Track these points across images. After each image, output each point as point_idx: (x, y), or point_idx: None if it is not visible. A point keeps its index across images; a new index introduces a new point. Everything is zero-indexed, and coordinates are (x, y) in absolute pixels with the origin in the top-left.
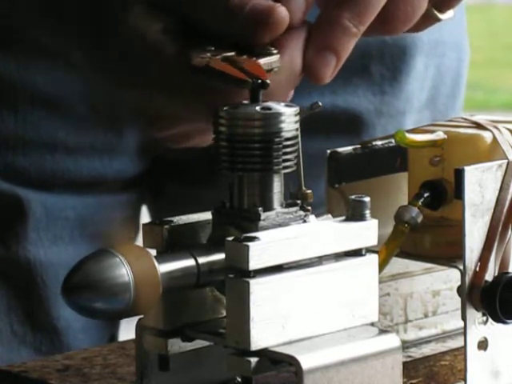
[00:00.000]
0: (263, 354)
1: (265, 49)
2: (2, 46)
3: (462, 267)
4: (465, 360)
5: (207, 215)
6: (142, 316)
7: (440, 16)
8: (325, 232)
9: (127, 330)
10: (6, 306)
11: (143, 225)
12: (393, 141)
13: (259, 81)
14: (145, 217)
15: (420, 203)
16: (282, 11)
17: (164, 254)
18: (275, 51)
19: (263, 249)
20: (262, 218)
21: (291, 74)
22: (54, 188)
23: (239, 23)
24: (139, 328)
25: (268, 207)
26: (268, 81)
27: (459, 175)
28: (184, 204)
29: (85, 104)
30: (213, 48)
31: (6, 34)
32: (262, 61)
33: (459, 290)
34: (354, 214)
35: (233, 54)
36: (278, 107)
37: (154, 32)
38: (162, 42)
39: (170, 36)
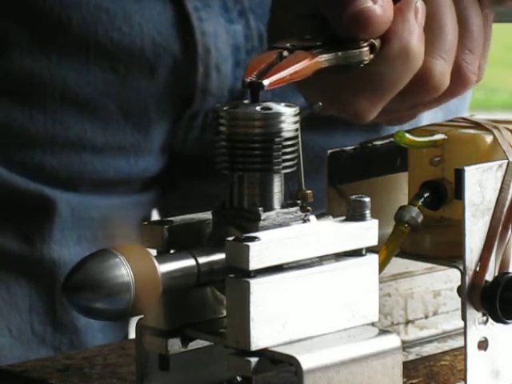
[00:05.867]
0: (263, 354)
1: (356, 42)
2: (34, 46)
3: (462, 267)
4: (465, 360)
5: (207, 215)
6: (142, 316)
7: None
8: (325, 232)
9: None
10: (28, 306)
11: (143, 225)
12: (393, 141)
13: (258, 81)
14: (154, 217)
15: (420, 203)
16: (376, 9)
17: (164, 254)
18: (364, 44)
19: (263, 249)
20: (262, 217)
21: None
22: (81, 188)
23: (344, 19)
24: (139, 328)
25: (268, 207)
26: (265, 82)
27: (459, 175)
28: (198, 200)
29: (113, 104)
30: (309, 37)
31: (38, 33)
32: (326, 56)
33: (459, 290)
34: (354, 213)
35: (316, 44)
36: (278, 107)
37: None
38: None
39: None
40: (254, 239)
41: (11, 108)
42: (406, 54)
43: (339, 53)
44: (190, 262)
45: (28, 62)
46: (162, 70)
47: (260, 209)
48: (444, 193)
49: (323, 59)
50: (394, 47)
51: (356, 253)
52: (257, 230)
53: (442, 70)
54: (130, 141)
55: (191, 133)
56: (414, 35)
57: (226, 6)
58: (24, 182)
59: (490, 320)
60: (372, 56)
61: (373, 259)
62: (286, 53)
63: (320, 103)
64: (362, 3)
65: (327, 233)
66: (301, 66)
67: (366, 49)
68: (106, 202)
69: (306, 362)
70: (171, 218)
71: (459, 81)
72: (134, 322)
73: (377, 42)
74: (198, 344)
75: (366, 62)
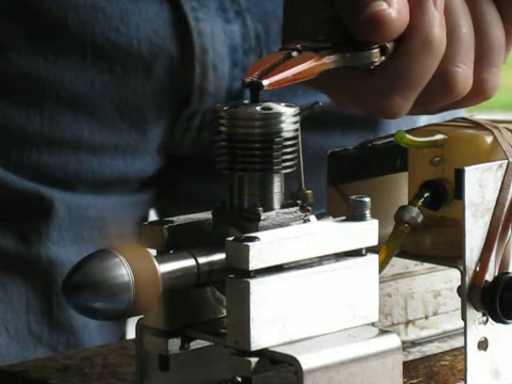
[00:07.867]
0: (263, 353)
1: (369, 44)
2: (31, 46)
3: (462, 267)
4: (465, 360)
5: (207, 215)
6: (142, 316)
7: None
8: (325, 232)
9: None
10: (25, 306)
11: (143, 225)
12: (393, 140)
13: (258, 81)
14: (152, 217)
15: (420, 203)
16: (391, 13)
17: (164, 254)
18: (375, 45)
19: (263, 249)
20: (262, 218)
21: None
22: (78, 187)
23: (358, 22)
24: (139, 328)
25: (268, 207)
26: (265, 82)
27: (459, 175)
28: (195, 200)
29: (110, 104)
30: (322, 38)
31: (35, 33)
32: (333, 57)
33: (459, 290)
34: (355, 213)
35: (327, 45)
36: (278, 107)
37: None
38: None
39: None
40: (253, 239)
41: (8, 108)
42: (429, 45)
43: (347, 54)
44: (189, 262)
45: (25, 62)
46: (158, 70)
47: (260, 209)
48: (444, 193)
49: (330, 60)
50: (416, 41)
51: (356, 253)
52: (257, 230)
53: (465, 77)
54: (127, 141)
55: (189, 133)
56: (434, 25)
57: (222, 7)
58: (21, 182)
59: (489, 320)
60: (383, 58)
61: (373, 259)
62: (295, 53)
63: (320, 103)
64: (376, 6)
65: (327, 233)
66: (305, 67)
67: (376, 50)
68: (103, 202)
69: (306, 362)
70: (171, 218)
71: (479, 93)
72: (132, 322)
73: (389, 44)
74: (198, 344)
75: (376, 64)
